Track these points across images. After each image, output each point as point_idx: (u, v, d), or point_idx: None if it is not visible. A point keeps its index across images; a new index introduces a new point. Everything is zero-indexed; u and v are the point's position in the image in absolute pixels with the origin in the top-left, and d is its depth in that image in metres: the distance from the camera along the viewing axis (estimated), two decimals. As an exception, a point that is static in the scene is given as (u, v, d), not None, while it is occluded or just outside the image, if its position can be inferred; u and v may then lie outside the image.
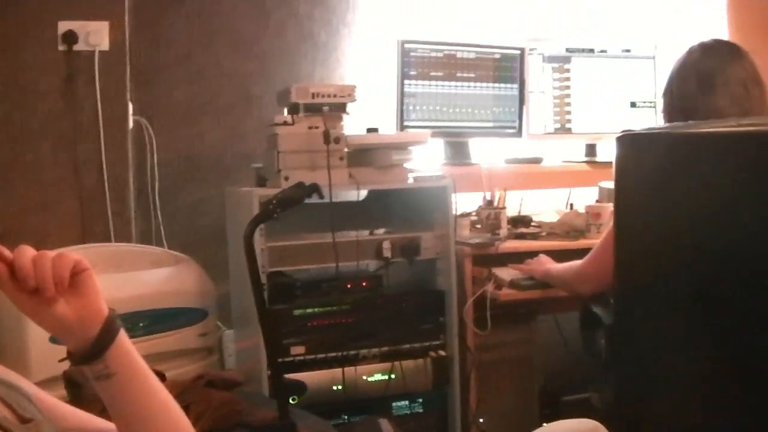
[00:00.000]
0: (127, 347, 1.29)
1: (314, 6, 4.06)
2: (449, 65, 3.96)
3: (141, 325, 3.11)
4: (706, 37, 2.78)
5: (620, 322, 2.41)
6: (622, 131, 2.32)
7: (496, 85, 4.08)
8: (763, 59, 4.77)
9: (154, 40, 3.79)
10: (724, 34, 4.77)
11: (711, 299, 2.27)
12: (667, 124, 2.57)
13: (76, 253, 1.24)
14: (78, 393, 2.17)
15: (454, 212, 3.40)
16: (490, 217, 3.59)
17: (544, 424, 2.38)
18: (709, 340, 2.31)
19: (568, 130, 4.27)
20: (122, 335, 1.28)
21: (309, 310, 3.18)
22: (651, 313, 2.34)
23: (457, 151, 4.06)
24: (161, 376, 2.29)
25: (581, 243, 3.41)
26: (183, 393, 2.31)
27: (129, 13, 3.61)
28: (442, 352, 3.34)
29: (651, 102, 4.35)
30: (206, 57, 3.87)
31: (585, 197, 4.06)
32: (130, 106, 3.61)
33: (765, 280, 2.25)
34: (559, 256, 3.22)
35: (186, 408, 2.20)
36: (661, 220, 2.29)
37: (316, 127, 3.15)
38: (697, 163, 2.25)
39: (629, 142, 2.31)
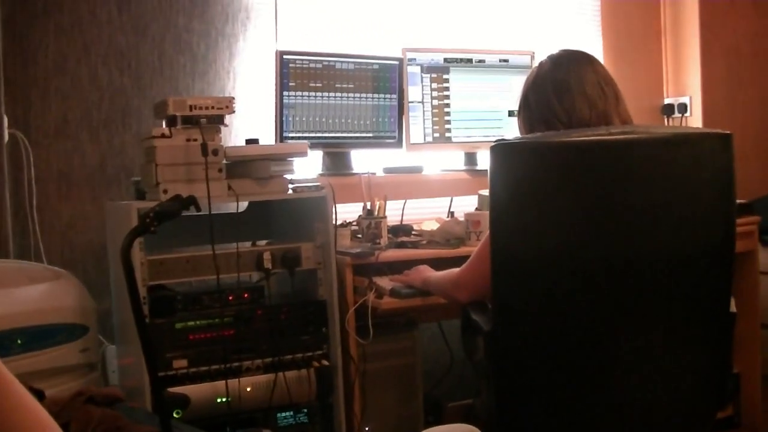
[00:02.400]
0: None
1: (192, 18, 4.03)
2: (328, 76, 3.98)
3: (19, 342, 3.04)
4: (581, 46, 2.85)
5: (498, 329, 2.44)
6: (496, 140, 2.36)
7: (376, 95, 4.12)
8: (635, 64, 4.95)
9: (28, 52, 3.71)
10: (597, 43, 4.91)
11: (585, 305, 2.34)
12: (539, 134, 2.61)
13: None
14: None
15: (334, 222, 3.42)
16: (370, 226, 3.61)
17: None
18: (585, 342, 2.37)
19: (448, 140, 4.33)
20: None
21: (191, 323, 3.16)
22: (527, 319, 2.39)
23: (338, 162, 4.08)
24: (40, 394, 2.27)
25: (461, 251, 3.44)
26: (62, 410, 2.28)
27: (1, 24, 3.55)
28: (325, 362, 3.35)
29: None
30: (82, 69, 3.80)
31: (465, 205, 4.12)
32: (5, 120, 3.54)
33: (636, 280, 2.32)
34: (439, 263, 3.23)
35: (66, 425, 2.19)
36: (534, 227, 2.33)
37: (194, 140, 3.15)
38: (568, 171, 2.30)
39: (502, 151, 2.35)
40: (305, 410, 3.36)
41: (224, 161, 3.24)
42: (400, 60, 4.19)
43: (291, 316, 3.32)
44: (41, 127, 3.73)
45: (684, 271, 2.35)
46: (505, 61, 4.48)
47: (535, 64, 4.36)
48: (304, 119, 3.93)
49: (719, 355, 2.48)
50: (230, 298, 3.28)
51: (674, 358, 2.41)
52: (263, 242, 3.52)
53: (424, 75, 4.26)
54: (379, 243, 3.58)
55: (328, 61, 3.99)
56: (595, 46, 4.87)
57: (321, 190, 3.41)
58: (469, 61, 4.40)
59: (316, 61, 3.96)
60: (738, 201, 3.78)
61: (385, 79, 4.14)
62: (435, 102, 4.29)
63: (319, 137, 3.96)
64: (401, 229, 3.88)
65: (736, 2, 5.36)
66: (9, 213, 3.56)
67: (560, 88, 2.63)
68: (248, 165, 3.31)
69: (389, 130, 4.18)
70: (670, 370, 2.42)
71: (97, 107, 3.84)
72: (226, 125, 3.27)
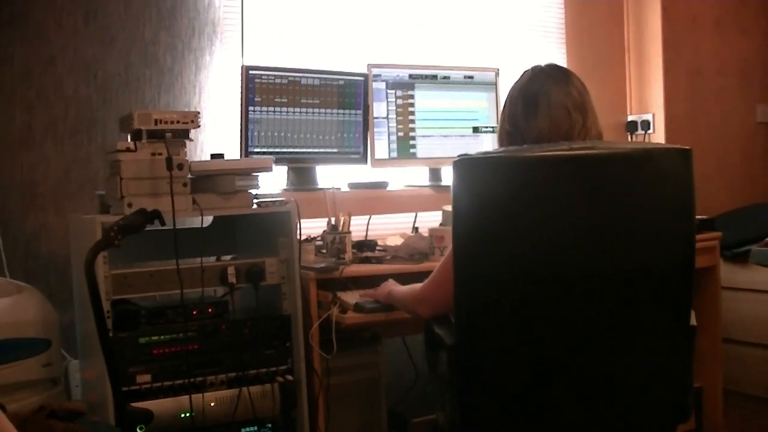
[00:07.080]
0: None
1: (159, 30, 4.02)
2: (293, 92, 3.99)
3: (-21, 357, 3.03)
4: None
5: (461, 343, 2.45)
6: (458, 156, 2.37)
7: (341, 111, 4.13)
8: (598, 81, 4.99)
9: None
10: (561, 60, 4.95)
11: (546, 319, 2.35)
12: (502, 149, 2.62)
13: None
14: None
15: (298, 237, 3.42)
16: (335, 241, 3.62)
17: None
18: (548, 356, 2.38)
19: (413, 156, 4.34)
20: None
21: (154, 338, 3.15)
22: (490, 333, 2.40)
23: (303, 177, 4.08)
24: (0, 408, 2.25)
25: (425, 266, 3.46)
26: (24, 425, 2.27)
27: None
28: (289, 377, 3.35)
29: (493, 127, 4.45)
30: (47, 80, 3.78)
31: (430, 221, 4.13)
32: (-31, 130, 3.52)
33: (596, 293, 2.34)
34: (404, 279, 3.24)
35: (27, 439, 2.18)
36: (496, 242, 2.34)
37: (159, 154, 3.14)
38: (529, 185, 2.32)
39: (465, 166, 2.36)
40: (269, 425, 3.35)
41: (189, 176, 3.23)
42: (366, 76, 4.20)
43: (255, 330, 3.32)
44: (5, 137, 3.71)
45: (645, 285, 2.37)
46: (470, 77, 4.50)
47: (500, 81, 4.44)
48: (269, 134, 3.94)
49: (680, 368, 2.51)
50: (194, 312, 3.27)
51: (636, 370, 2.43)
52: (228, 257, 3.52)
53: (389, 91, 4.28)
54: (344, 258, 3.59)
55: (294, 76, 4.00)
56: (559, 64, 4.90)
57: (285, 205, 3.42)
58: (434, 77, 4.42)
59: (281, 77, 3.96)
60: (700, 217, 3.85)
61: (350, 94, 4.15)
62: (400, 118, 4.30)
63: (284, 152, 3.96)
64: (365, 245, 3.89)
65: (698, 21, 5.43)
66: (-29, 225, 3.54)
67: (529, 103, 2.63)
68: (213, 179, 3.31)
69: (354, 146, 4.19)
70: (632, 383, 2.43)
71: (62, 118, 3.82)
72: (191, 140, 3.26)
